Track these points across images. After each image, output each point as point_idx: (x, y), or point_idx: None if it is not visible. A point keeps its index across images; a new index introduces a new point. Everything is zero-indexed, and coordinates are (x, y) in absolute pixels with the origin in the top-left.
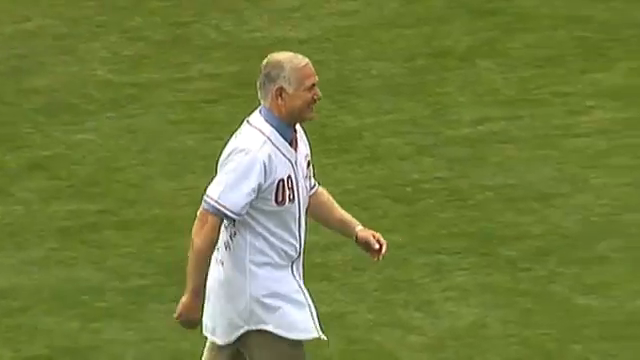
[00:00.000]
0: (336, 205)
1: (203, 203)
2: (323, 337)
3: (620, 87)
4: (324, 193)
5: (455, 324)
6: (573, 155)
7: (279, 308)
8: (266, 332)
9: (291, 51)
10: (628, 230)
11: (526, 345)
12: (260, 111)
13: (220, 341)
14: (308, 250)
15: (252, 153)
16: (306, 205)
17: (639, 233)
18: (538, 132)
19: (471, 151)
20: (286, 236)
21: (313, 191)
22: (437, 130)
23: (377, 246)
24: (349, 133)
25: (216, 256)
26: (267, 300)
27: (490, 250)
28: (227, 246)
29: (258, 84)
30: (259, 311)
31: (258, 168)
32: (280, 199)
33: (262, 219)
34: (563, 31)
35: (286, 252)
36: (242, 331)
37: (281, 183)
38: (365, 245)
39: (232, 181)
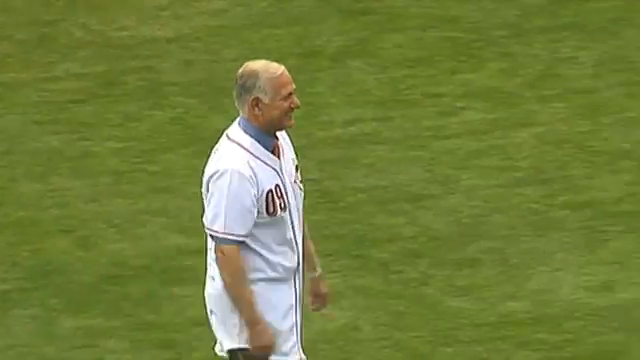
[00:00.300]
0: (306, 235)
1: (213, 239)
2: (303, 358)
3: (490, 88)
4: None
5: (326, 327)
6: (444, 156)
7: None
8: (249, 354)
9: (160, 50)
10: (498, 232)
11: (398, 348)
12: (239, 122)
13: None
14: (180, 253)
15: (236, 171)
16: (301, 208)
17: (509, 235)
18: (409, 133)
19: (342, 152)
20: (283, 248)
21: None
22: (308, 131)
23: (318, 309)
24: (220, 134)
25: (208, 271)
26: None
27: (362, 252)
28: (215, 260)
29: (234, 94)
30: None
31: (247, 184)
32: (272, 210)
33: (256, 232)
34: (433, 31)
35: (283, 265)
36: (230, 347)
37: (270, 194)
38: (312, 295)
39: (229, 207)
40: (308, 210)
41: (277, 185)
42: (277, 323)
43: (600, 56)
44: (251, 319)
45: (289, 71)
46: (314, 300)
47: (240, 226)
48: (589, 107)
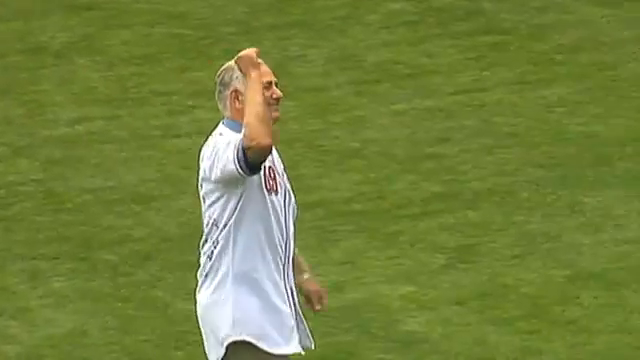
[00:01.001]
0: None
1: (243, 143)
2: (310, 346)
3: None
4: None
5: (52, 332)
6: (174, 156)
7: (264, 321)
8: (249, 345)
9: None
10: None
11: (127, 352)
12: (223, 122)
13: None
14: None
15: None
16: (290, 205)
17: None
18: (138, 132)
19: (68, 152)
20: (277, 238)
21: None
22: (32, 130)
23: (317, 307)
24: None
25: (200, 272)
26: (252, 312)
27: (89, 255)
28: (209, 256)
29: (216, 96)
30: (243, 322)
31: None
32: (269, 186)
33: (255, 223)
34: (161, 28)
35: (274, 258)
36: (227, 342)
37: (266, 170)
38: (306, 299)
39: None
40: (33, 211)
41: (270, 167)
42: (277, 306)
43: (329, 54)
44: (251, 83)
45: (10, 68)
46: (310, 305)
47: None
48: (319, 106)
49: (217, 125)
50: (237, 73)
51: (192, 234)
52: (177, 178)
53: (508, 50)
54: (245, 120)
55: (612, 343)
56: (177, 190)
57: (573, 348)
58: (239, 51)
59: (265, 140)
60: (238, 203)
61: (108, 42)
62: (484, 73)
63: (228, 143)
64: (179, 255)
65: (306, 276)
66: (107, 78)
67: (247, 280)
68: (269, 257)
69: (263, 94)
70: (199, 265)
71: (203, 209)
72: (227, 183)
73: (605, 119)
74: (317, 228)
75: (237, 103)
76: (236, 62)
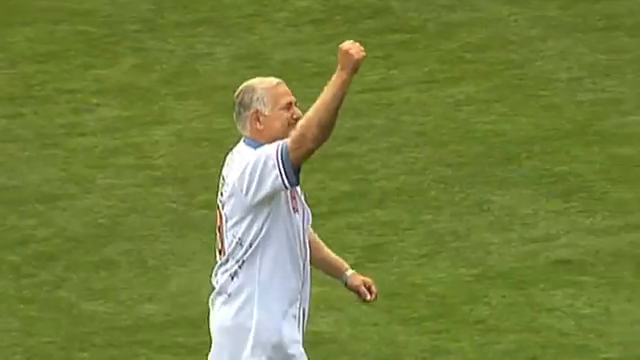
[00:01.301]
0: (322, 245)
1: (278, 154)
2: None
3: (125, 84)
4: (312, 232)
5: None
6: (79, 155)
7: (280, 343)
8: None
9: None
10: (136, 232)
11: (30, 354)
12: (244, 140)
13: None
14: None
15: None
16: (307, 234)
17: (147, 235)
18: (42, 131)
19: None
20: (297, 257)
21: None
22: None
23: (369, 297)
24: None
25: (220, 289)
26: (271, 337)
27: None
28: (232, 275)
29: (234, 116)
30: (263, 345)
31: None
32: (291, 205)
33: (276, 238)
34: (65, 25)
35: (295, 278)
36: None
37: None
38: (356, 292)
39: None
40: None
41: (290, 190)
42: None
43: (236, 52)
44: (342, 80)
45: None
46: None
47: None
48: (226, 104)
49: (237, 143)
50: (257, 94)
51: (97, 234)
52: (82, 177)
53: (416, 48)
54: (308, 114)
55: (520, 342)
56: (82, 189)
57: (481, 347)
58: (144, 49)
59: (311, 143)
60: (265, 222)
61: (11, 39)
62: (392, 72)
63: (261, 161)
64: (84, 255)
65: (349, 272)
66: (10, 76)
67: (270, 304)
68: (291, 277)
69: (340, 100)
70: (215, 280)
71: (224, 227)
72: (260, 202)
73: (512, 118)
74: None
75: (258, 124)
76: (340, 52)
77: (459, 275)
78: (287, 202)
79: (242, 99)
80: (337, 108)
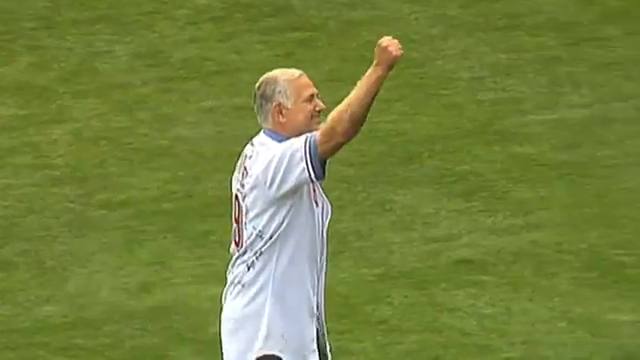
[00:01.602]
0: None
1: (305, 146)
2: None
3: (22, 82)
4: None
5: None
6: None
7: (293, 338)
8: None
9: None
10: (33, 233)
11: None
12: (264, 132)
13: None
14: None
15: None
16: (325, 228)
17: (45, 236)
18: None
19: None
20: (315, 250)
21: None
22: None
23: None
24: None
25: (234, 279)
26: (283, 330)
27: None
28: (249, 266)
29: (255, 108)
30: (275, 338)
31: None
32: (312, 198)
33: (296, 231)
34: None
35: (311, 272)
36: (258, 355)
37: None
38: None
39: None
40: None
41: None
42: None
43: (135, 50)
44: (377, 75)
45: None
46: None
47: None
48: (125, 103)
49: (257, 134)
50: (280, 87)
51: None
52: None
53: (317, 47)
54: (340, 107)
55: (422, 342)
56: None
57: (383, 348)
58: (41, 47)
59: (341, 137)
60: (287, 215)
61: None
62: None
63: (287, 154)
64: None
65: None
66: None
67: (284, 296)
68: (307, 271)
69: (374, 95)
70: (230, 272)
71: (244, 219)
72: (284, 195)
73: (413, 117)
74: (125, 228)
75: (280, 117)
76: (378, 47)
77: (362, 275)
78: (309, 195)
79: (264, 91)
80: (370, 104)
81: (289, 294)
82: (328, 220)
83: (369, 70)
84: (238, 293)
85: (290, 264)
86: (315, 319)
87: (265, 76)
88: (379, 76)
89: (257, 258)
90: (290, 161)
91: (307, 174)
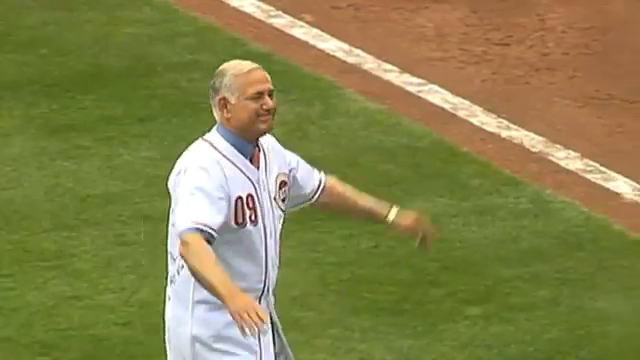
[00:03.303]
0: (354, 193)
1: (180, 235)
2: None
3: None
4: (336, 185)
5: None
6: None
7: (225, 352)
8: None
9: None
10: None
11: None
12: (216, 127)
13: None
14: None
15: (202, 167)
16: (277, 231)
17: None
18: None
19: None
20: (247, 267)
21: (321, 187)
22: None
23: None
24: None
25: (167, 291)
26: (211, 343)
27: None
28: (172, 281)
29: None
30: (204, 353)
31: (217, 182)
32: (240, 220)
33: (220, 249)
34: None
35: (246, 289)
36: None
37: (239, 201)
38: (408, 234)
39: (198, 201)
40: None
41: (250, 195)
42: (239, 337)
43: None
44: (224, 291)
45: None
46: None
47: (210, 220)
48: None
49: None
50: (226, 80)
51: None
52: None
53: None
54: (189, 255)
55: None
56: None
57: None
58: None
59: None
60: None
61: None
62: None
63: (191, 193)
64: None
65: (393, 211)
66: None
67: (207, 311)
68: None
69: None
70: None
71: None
72: None
73: None
74: None
75: (225, 112)
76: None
77: None
78: (232, 219)
79: (214, 82)
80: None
81: (213, 313)
82: (280, 222)
83: (226, 290)
84: (168, 305)
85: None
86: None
87: (220, 67)
88: (219, 295)
89: (178, 273)
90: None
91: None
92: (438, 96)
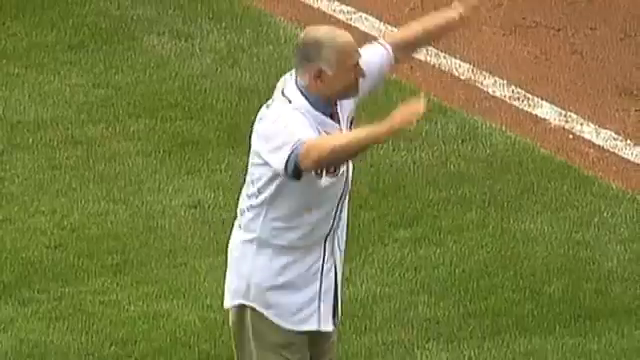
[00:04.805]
0: (417, 26)
1: (295, 159)
2: (327, 328)
3: None
4: (398, 36)
5: None
6: None
7: (281, 294)
8: (261, 314)
9: None
10: None
11: None
12: (296, 82)
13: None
14: None
15: (292, 115)
16: (350, 177)
17: None
18: None
19: None
20: (317, 216)
21: (390, 55)
22: None
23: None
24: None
25: (238, 219)
26: (268, 284)
27: None
28: (243, 212)
29: (295, 60)
30: (258, 292)
31: (307, 123)
32: (332, 168)
33: (288, 196)
34: None
35: (312, 230)
36: (238, 302)
37: None
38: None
39: (297, 129)
40: None
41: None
42: (298, 281)
43: None
44: (369, 137)
45: None
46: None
47: (308, 134)
48: None
49: (288, 76)
50: (325, 52)
51: None
52: None
53: None
54: (331, 141)
55: None
56: None
57: None
58: None
59: (310, 164)
60: (279, 178)
61: None
62: None
63: (291, 133)
64: None
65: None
66: None
67: (271, 257)
68: (304, 238)
69: (363, 149)
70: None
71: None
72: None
73: None
74: None
75: (318, 81)
76: (400, 112)
77: None
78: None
79: (307, 51)
80: (354, 155)
81: (276, 256)
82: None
83: (375, 127)
84: (236, 233)
85: (280, 228)
86: (319, 287)
87: (312, 34)
88: (378, 138)
89: (247, 210)
90: (274, 157)
91: (283, 170)
92: (367, 23)
